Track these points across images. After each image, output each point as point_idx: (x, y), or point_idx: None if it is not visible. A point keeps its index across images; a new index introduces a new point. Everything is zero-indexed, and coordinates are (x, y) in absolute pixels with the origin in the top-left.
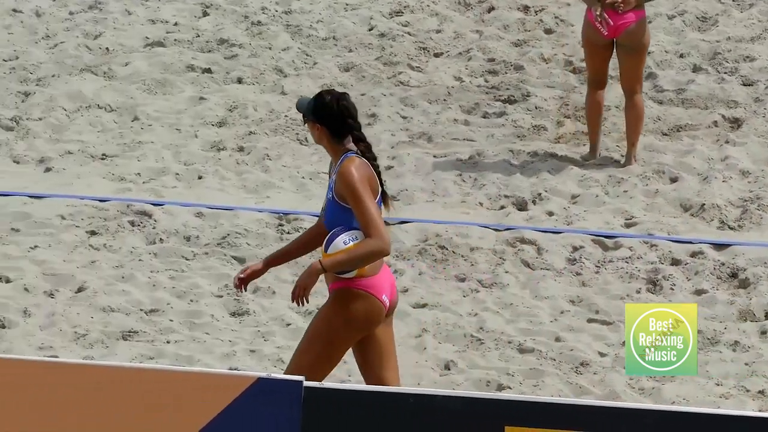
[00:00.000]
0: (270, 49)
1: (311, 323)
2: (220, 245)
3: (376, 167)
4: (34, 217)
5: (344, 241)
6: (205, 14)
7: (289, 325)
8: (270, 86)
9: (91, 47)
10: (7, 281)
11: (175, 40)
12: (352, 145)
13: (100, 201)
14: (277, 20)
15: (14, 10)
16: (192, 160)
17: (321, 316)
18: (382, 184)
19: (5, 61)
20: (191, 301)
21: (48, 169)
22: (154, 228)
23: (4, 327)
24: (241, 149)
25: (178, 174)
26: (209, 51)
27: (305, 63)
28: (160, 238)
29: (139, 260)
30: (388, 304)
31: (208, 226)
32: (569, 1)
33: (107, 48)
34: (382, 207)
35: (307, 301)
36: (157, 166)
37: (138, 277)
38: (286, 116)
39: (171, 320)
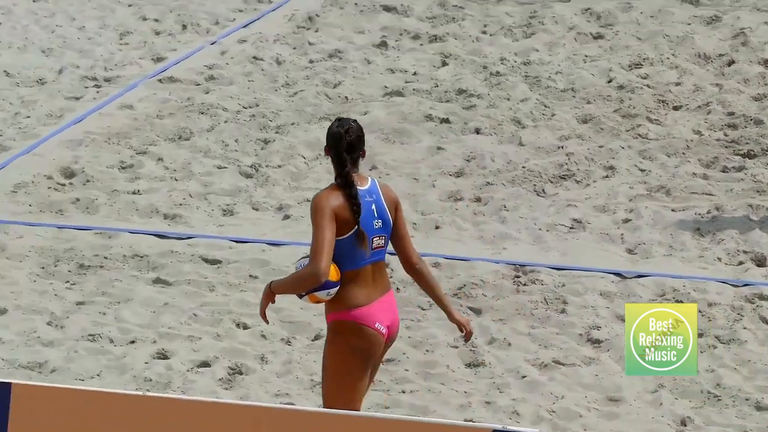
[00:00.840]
0: (508, 99)
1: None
2: (456, 296)
3: (353, 204)
4: (272, 264)
5: (297, 267)
6: (444, 64)
7: (524, 377)
8: (508, 137)
9: (331, 96)
10: (245, 327)
11: (414, 89)
12: (350, 174)
13: None
14: (516, 71)
15: (255, 58)
16: (429, 210)
17: (324, 354)
18: (357, 217)
19: (245, 108)
20: (426, 351)
21: (286, 217)
22: (390, 277)
23: (241, 373)
24: (478, 200)
25: (415, 223)
26: (447, 101)
27: (543, 114)
28: (397, 288)
29: None
30: (385, 331)
31: (444, 276)
32: None
33: (346, 96)
34: (356, 240)
35: (267, 321)
36: None
37: None
38: (523, 167)
39: (406, 370)
